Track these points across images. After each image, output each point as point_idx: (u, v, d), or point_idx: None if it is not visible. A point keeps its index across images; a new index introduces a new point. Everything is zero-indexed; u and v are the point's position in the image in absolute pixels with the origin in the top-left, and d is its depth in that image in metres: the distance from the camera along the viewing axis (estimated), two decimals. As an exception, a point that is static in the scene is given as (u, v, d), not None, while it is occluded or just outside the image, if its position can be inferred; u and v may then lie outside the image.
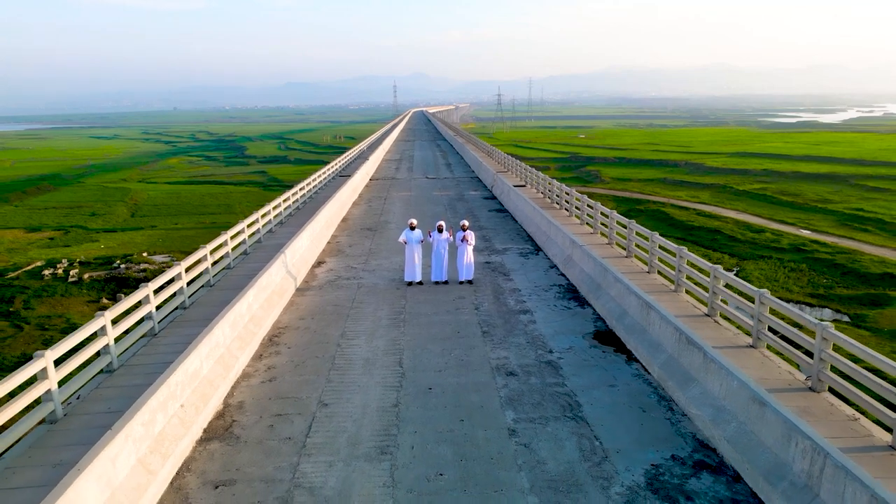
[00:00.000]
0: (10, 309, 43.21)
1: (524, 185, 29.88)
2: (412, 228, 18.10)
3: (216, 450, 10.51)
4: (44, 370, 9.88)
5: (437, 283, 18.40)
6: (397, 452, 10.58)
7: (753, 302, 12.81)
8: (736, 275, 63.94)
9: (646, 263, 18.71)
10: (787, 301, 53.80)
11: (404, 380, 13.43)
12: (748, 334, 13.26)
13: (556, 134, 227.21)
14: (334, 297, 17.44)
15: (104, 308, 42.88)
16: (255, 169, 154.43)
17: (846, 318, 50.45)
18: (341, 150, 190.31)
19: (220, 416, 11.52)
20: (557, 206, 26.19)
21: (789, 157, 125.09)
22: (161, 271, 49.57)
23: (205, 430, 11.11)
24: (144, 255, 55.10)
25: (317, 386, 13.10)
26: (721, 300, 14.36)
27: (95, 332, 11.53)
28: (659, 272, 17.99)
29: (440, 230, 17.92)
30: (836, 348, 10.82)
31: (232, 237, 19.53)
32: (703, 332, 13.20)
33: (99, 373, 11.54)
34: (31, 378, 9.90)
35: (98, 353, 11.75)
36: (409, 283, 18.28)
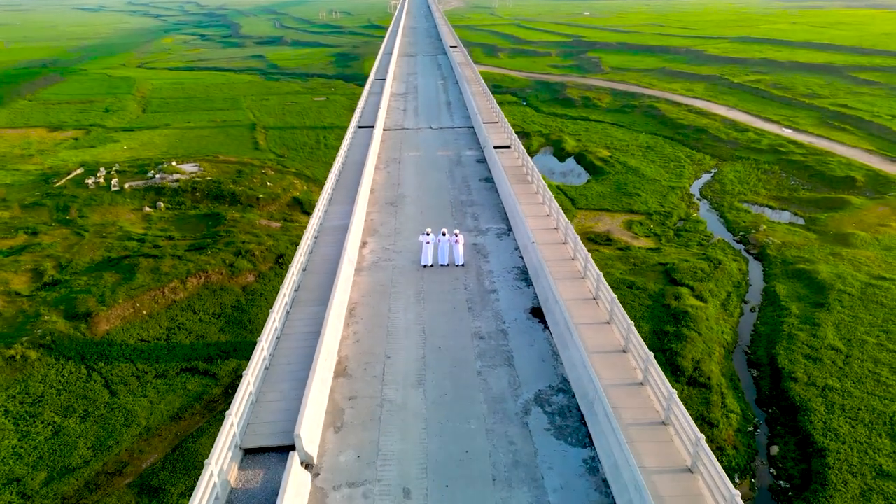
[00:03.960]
0: (68, 217, 49.91)
1: (508, 147, 35.36)
2: (427, 234, 26.12)
3: (342, 382, 19.04)
4: (262, 347, 18.81)
5: (442, 265, 26.60)
6: (426, 383, 18.55)
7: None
8: (712, 177, 71.80)
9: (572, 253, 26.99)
10: (753, 204, 62.28)
11: (426, 342, 20.64)
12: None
13: (560, 9, 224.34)
14: (379, 278, 24.48)
15: (148, 217, 50.31)
16: (252, 52, 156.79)
17: (801, 221, 58.95)
18: (336, 30, 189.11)
19: (338, 364, 20.53)
20: (529, 180, 33.16)
21: (790, 44, 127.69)
22: (192, 181, 57.45)
23: (334, 373, 20.12)
24: (174, 163, 61.73)
25: (382, 345, 20.29)
26: (600, 292, 22.77)
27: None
28: (579, 262, 26.14)
29: (444, 234, 26.07)
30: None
31: (312, 233, 27.84)
32: (583, 312, 20.38)
33: (275, 339, 20.48)
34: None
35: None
36: (424, 266, 26.55)
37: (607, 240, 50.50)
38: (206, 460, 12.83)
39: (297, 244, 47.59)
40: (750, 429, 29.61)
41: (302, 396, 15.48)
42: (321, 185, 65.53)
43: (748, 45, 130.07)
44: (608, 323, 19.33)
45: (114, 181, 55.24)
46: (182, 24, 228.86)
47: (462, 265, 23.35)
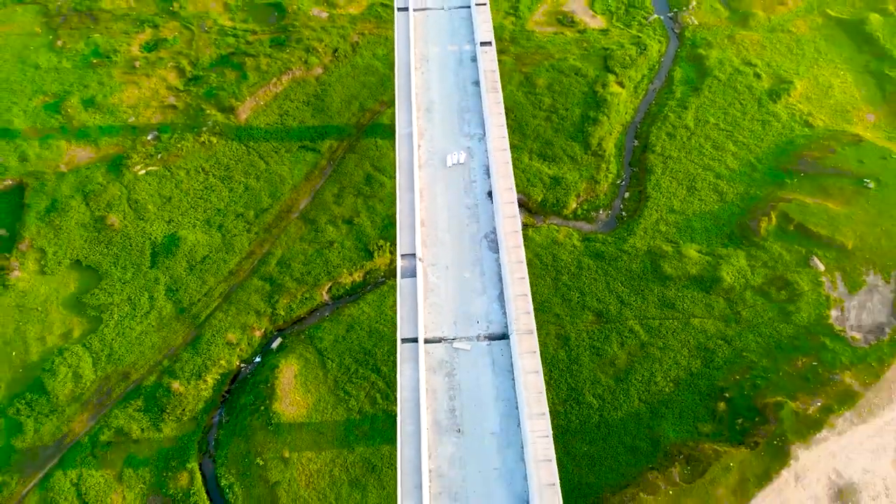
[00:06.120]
0: (171, 8, 66.04)
1: (490, 43, 45.04)
2: (450, 155, 39.53)
3: (424, 230, 36.18)
4: (398, 219, 42.01)
5: (453, 164, 39.53)
6: (451, 230, 35.64)
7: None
8: None
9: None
10: None
11: (450, 212, 36.79)
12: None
13: None
14: (429, 173, 37.95)
15: (228, 6, 68.11)
16: None
17: None
18: None
19: (421, 223, 43.26)
20: (496, 89, 42.03)
21: None
22: None
23: (420, 224, 42.68)
24: None
25: (434, 214, 36.16)
26: (513, 186, 44.22)
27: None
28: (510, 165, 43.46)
29: (455, 154, 41.08)
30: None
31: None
32: (506, 196, 35.29)
33: (399, 214, 43.35)
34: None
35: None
36: (447, 166, 42.16)
37: (571, 21, 67.63)
38: (396, 258, 38.17)
39: (344, 37, 66.80)
40: (618, 182, 54.89)
41: (413, 237, 36.40)
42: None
43: None
44: (513, 203, 36.84)
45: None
46: None
47: (462, 163, 40.42)
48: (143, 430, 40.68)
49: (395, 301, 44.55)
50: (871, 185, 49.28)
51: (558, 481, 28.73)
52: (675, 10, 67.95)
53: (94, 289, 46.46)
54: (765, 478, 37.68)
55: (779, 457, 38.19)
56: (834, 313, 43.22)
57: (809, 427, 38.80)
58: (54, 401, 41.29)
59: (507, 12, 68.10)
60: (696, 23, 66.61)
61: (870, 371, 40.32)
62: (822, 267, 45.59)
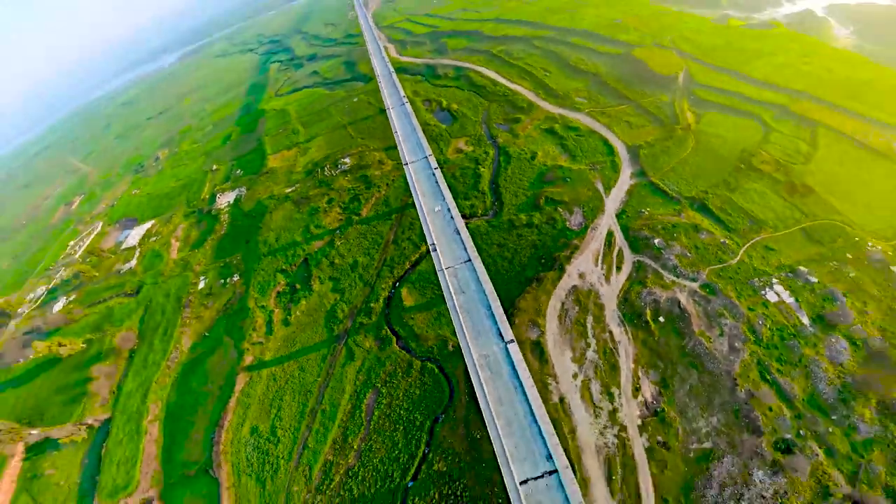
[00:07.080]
0: (331, 186, 67.18)
1: (438, 168, 43.55)
2: (437, 207, 43.57)
3: (430, 224, 48.00)
4: (420, 204, 46.22)
5: (437, 210, 51.64)
6: (439, 240, 48.06)
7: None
8: (487, 112, 72.89)
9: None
10: (498, 123, 68.97)
11: (444, 227, 48.76)
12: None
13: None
14: (433, 218, 51.52)
15: (349, 179, 69.96)
16: (310, 70, 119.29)
17: (507, 129, 67.76)
18: (333, 41, 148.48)
19: (430, 242, 48.36)
20: (446, 188, 52.57)
21: (521, 23, 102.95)
22: (351, 166, 70.16)
23: (429, 215, 48.07)
24: (342, 159, 71.60)
25: (437, 234, 49.81)
26: (457, 214, 48.68)
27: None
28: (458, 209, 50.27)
29: (438, 207, 48.78)
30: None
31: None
32: (460, 213, 48.33)
33: (417, 201, 47.84)
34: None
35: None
36: (436, 210, 51.12)
37: (462, 151, 68.18)
38: (427, 246, 42.28)
39: (390, 177, 68.49)
40: (493, 201, 57.85)
41: (431, 237, 42.84)
42: (380, 149, 74.60)
43: (502, 24, 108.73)
44: (461, 219, 44.87)
45: (331, 171, 70.19)
46: (266, 53, 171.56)
47: (440, 210, 45.27)
48: (365, 321, 44.91)
49: (432, 262, 48.69)
50: (569, 180, 53.28)
51: (498, 299, 32.97)
52: (494, 137, 67.63)
53: (338, 284, 50.40)
54: (559, 279, 42.24)
55: (562, 271, 42.81)
56: (568, 223, 47.50)
57: (568, 260, 43.37)
58: (337, 318, 45.70)
59: (439, 151, 68.97)
60: (502, 140, 66.66)
61: (581, 237, 44.75)
62: (562, 211, 49.69)
